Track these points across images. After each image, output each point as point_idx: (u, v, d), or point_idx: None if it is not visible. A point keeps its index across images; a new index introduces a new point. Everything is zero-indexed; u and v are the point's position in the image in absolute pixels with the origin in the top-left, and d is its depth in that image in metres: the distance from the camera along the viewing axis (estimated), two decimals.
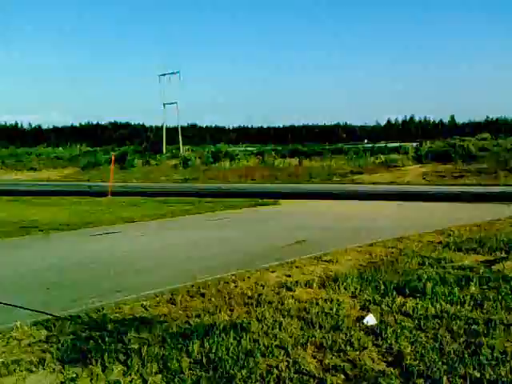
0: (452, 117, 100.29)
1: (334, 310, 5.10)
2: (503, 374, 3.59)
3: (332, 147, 44.88)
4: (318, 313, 5.00)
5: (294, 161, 38.70)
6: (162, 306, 5.39)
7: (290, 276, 6.59)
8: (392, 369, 3.77)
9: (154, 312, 5.19)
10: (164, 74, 52.28)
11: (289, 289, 5.94)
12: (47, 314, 5.21)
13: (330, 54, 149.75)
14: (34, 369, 3.91)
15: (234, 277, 6.55)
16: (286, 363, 3.89)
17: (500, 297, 5.32)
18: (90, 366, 3.88)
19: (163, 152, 47.82)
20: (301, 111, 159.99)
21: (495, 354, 3.91)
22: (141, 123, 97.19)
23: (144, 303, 5.48)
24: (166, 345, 4.22)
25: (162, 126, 54.13)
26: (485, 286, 5.77)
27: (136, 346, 4.20)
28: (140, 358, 3.96)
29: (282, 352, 4.08)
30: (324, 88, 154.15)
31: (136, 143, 58.57)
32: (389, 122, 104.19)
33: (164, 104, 52.84)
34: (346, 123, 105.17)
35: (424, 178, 25.58)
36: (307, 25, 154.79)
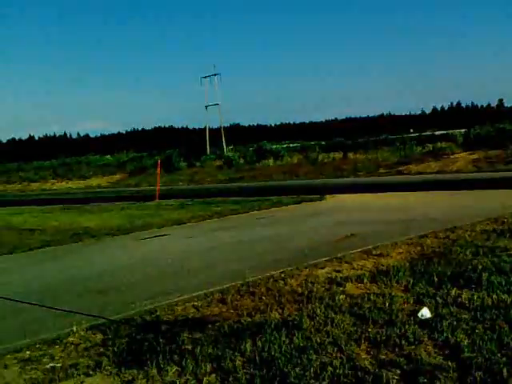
0: (500, 100, 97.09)
1: (387, 304, 5.02)
2: None
3: (377, 139, 44.17)
4: (370, 308, 4.94)
5: (339, 155, 38.25)
6: (213, 305, 5.46)
7: (340, 271, 6.53)
8: (449, 362, 3.69)
9: (206, 312, 5.27)
10: (206, 77, 53.03)
11: (339, 284, 5.89)
12: (102, 317, 5.36)
13: (372, 42, 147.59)
14: (91, 372, 4.03)
15: (283, 274, 6.54)
16: (340, 360, 3.85)
17: None
18: (146, 368, 3.97)
19: (207, 153, 48.38)
20: (344, 104, 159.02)
21: None
22: (184, 126, 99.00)
23: (195, 304, 5.57)
24: (219, 344, 4.27)
25: (204, 128, 54.82)
26: None
27: (190, 347, 4.27)
28: (194, 359, 4.02)
29: (336, 348, 4.06)
30: (366, 79, 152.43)
31: (180, 146, 59.50)
32: (435, 109, 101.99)
33: (206, 106, 53.55)
34: (390, 113, 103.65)
35: (474, 165, 24.76)
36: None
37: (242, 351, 4.10)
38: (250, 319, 4.89)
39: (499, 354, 3.70)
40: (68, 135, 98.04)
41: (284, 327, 4.55)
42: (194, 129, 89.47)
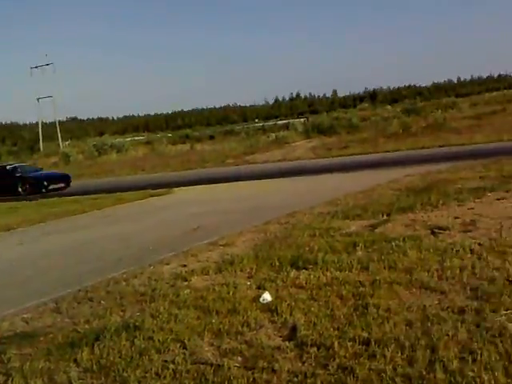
0: (334, 91, 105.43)
1: (231, 293, 5.16)
2: (388, 330, 3.85)
3: (223, 129, 45.29)
4: (214, 299, 5.03)
5: (186, 146, 38.56)
6: (45, 316, 5.15)
7: (185, 266, 6.54)
8: (287, 342, 3.91)
9: (37, 324, 4.94)
10: (36, 67, 49.57)
11: (184, 279, 5.91)
12: None
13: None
14: None
15: (125, 275, 6.40)
16: (182, 356, 3.89)
17: (383, 257, 5.69)
18: None
19: (40, 150, 45.50)
20: (191, 95, 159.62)
21: (380, 313, 4.19)
22: (13, 121, 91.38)
23: (25, 316, 5.20)
24: (52, 357, 4.04)
25: (37, 123, 51.42)
26: (370, 249, 6.13)
27: (17, 364, 3.98)
28: (22, 376, 3.76)
29: (178, 345, 4.08)
30: (210, 70, 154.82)
31: (9, 143, 55.17)
32: (277, 100, 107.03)
33: (38, 98, 50.13)
34: (236, 104, 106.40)
35: (312, 152, 26.57)
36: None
37: (78, 361, 3.93)
38: (87, 326, 4.70)
39: (332, 329, 4.00)
40: None
41: (125, 330, 4.45)
42: (25, 124, 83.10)
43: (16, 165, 25.40)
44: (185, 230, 9.29)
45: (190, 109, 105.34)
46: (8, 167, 24.13)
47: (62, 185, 22.92)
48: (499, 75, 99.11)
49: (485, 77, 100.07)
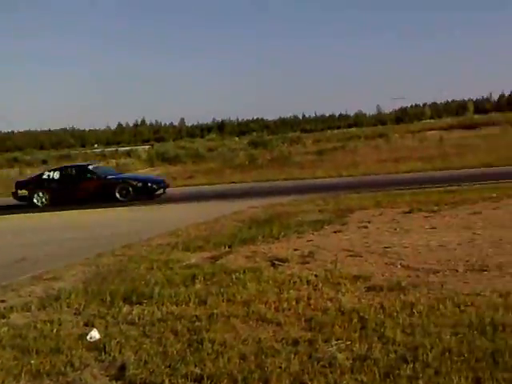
0: (182, 119, 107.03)
1: (55, 331, 4.94)
2: (222, 365, 3.90)
3: (58, 154, 43.45)
4: (35, 337, 4.78)
5: (15, 171, 36.43)
6: None
7: (3, 301, 6.14)
8: (115, 382, 3.82)
9: None
10: None
11: (2, 316, 5.57)
12: None
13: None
14: None
15: None
16: None
17: (222, 290, 5.79)
18: None
19: None
20: (21, 115, 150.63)
21: (215, 348, 4.24)
22: None
23: None
24: None
25: None
26: (209, 282, 6.21)
27: None
28: None
29: None
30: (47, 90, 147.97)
31: None
32: (120, 125, 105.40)
33: None
34: (73, 127, 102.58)
35: None
36: None
37: None
38: None
39: (163, 366, 3.95)
40: None
41: None
42: None
43: (97, 165, 21.34)
44: (6, 263, 8.71)
45: (21, 130, 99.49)
46: (90, 167, 19.79)
47: (162, 190, 19.42)
48: (340, 114, 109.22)
49: (327, 115, 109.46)
